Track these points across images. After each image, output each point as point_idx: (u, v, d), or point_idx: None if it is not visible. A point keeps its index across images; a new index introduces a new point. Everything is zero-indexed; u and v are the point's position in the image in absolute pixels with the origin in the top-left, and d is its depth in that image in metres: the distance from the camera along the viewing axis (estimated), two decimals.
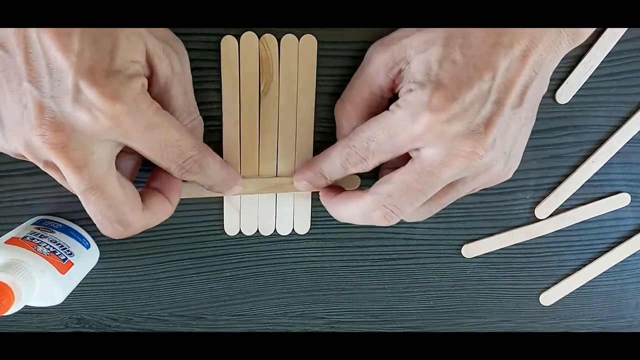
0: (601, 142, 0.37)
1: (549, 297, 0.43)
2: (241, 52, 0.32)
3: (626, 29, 0.34)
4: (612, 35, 0.34)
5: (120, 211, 0.27)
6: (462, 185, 0.29)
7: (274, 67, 0.32)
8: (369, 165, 0.29)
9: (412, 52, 0.27)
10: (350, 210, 0.31)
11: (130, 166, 0.30)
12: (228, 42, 0.32)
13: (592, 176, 0.38)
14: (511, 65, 0.25)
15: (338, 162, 0.30)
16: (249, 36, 0.32)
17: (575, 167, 0.38)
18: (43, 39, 0.23)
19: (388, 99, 0.30)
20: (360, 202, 0.30)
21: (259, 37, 0.32)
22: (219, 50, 0.32)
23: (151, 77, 0.26)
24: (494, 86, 0.25)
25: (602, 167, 0.38)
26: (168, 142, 0.26)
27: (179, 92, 0.28)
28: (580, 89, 0.36)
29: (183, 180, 0.31)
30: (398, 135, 0.27)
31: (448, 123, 0.25)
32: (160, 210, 0.30)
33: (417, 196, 0.28)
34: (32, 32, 0.23)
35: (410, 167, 0.28)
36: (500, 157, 0.28)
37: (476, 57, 0.25)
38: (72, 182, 0.25)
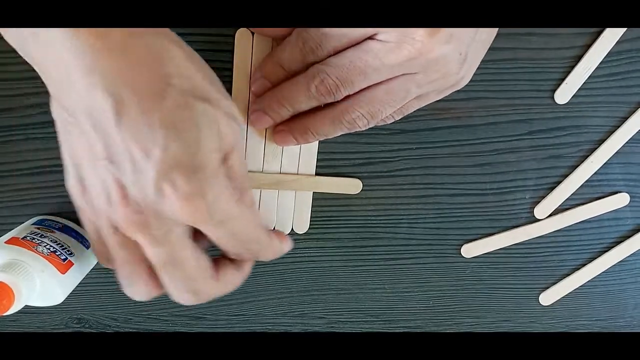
0: (600, 142, 0.37)
1: (548, 297, 0.43)
2: (254, 47, 0.32)
3: (626, 29, 0.34)
4: (612, 36, 0.34)
5: (193, 283, 0.27)
6: (411, 81, 0.28)
7: None
8: (323, 52, 0.28)
9: None
10: (296, 87, 0.29)
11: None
12: (243, 36, 0.32)
13: (591, 176, 0.38)
14: None
15: (296, 49, 0.29)
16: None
17: (574, 167, 0.38)
18: (124, 130, 0.22)
19: None
20: (304, 74, 0.29)
21: None
22: (220, 51, 0.32)
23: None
24: None
25: (601, 167, 0.38)
26: (236, 235, 0.27)
27: (237, 160, 0.27)
28: (580, 89, 0.36)
29: None
30: None
31: None
32: (231, 281, 0.30)
33: (357, 76, 0.27)
34: (110, 120, 0.22)
35: (360, 46, 0.27)
36: (454, 57, 0.27)
37: None
38: (149, 254, 0.26)
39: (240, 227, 0.27)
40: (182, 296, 0.28)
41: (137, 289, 0.28)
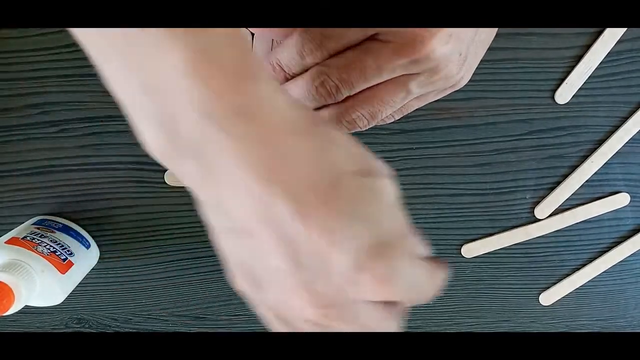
0: (600, 142, 0.37)
1: (548, 297, 0.43)
2: (254, 48, 0.32)
3: (626, 29, 0.34)
4: (612, 36, 0.34)
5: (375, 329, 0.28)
6: (411, 81, 0.28)
7: None
8: (323, 53, 0.28)
9: None
10: (296, 89, 0.29)
11: None
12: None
13: (591, 176, 0.38)
14: None
15: (294, 50, 0.28)
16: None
17: (574, 167, 0.38)
18: (311, 232, 0.21)
19: None
20: (304, 75, 0.28)
21: None
22: None
23: None
24: None
25: (602, 167, 0.38)
26: (421, 293, 0.26)
27: None
28: (580, 89, 0.36)
29: None
30: None
31: None
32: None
33: (358, 77, 0.27)
34: (295, 225, 0.21)
35: (360, 47, 0.27)
36: (454, 58, 0.27)
37: None
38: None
39: (424, 287, 0.25)
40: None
41: None
